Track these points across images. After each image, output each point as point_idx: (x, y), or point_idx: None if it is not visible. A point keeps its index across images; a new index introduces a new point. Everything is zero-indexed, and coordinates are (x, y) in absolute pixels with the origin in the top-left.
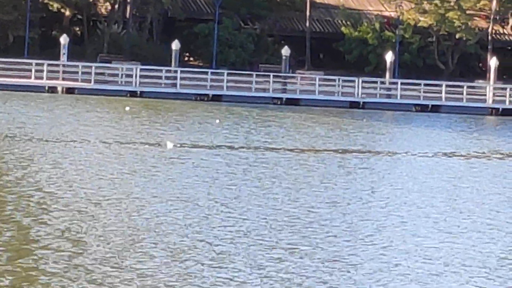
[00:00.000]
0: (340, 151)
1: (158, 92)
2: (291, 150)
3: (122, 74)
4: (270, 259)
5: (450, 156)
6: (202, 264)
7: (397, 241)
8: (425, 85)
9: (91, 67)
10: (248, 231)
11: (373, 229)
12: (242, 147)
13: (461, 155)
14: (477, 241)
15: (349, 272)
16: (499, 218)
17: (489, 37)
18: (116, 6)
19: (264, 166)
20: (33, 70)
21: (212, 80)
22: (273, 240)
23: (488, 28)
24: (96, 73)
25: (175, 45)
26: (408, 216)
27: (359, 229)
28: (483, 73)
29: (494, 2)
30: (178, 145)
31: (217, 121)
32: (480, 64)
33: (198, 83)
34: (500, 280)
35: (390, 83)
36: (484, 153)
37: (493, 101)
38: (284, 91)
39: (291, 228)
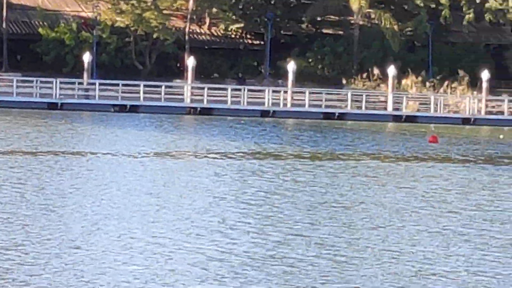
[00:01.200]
0: (48, 152)
1: None
2: None
3: None
4: None
5: (157, 156)
6: None
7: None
8: (123, 85)
9: None
10: None
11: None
12: None
13: (167, 155)
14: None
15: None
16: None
17: (186, 37)
18: None
19: None
20: None
21: None
22: None
23: (185, 27)
24: None
25: None
26: (118, 214)
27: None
28: (181, 73)
29: (191, 2)
30: None
31: None
32: (178, 64)
33: None
34: None
35: (88, 83)
36: (189, 152)
37: (191, 100)
38: None
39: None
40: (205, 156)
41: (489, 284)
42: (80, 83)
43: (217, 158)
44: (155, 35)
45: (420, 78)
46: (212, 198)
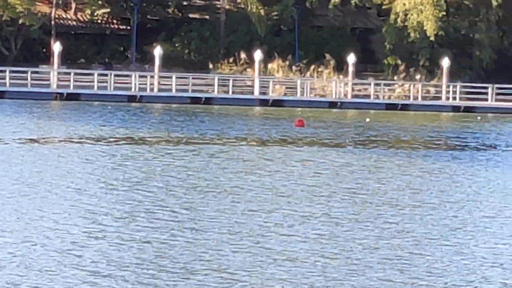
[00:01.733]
0: None
1: None
2: None
3: None
4: None
5: (29, 142)
6: None
7: None
8: None
9: None
10: None
11: None
12: None
13: (39, 141)
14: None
15: None
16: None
17: (52, 22)
18: None
19: None
20: None
21: None
22: None
23: (51, 13)
24: None
25: None
26: None
27: None
28: (47, 58)
29: None
30: None
31: None
32: (44, 49)
33: None
34: None
35: None
36: (60, 137)
37: (58, 86)
38: None
39: None
40: (77, 142)
41: (371, 263)
42: None
43: (89, 144)
44: (20, 21)
45: (286, 62)
46: (87, 184)
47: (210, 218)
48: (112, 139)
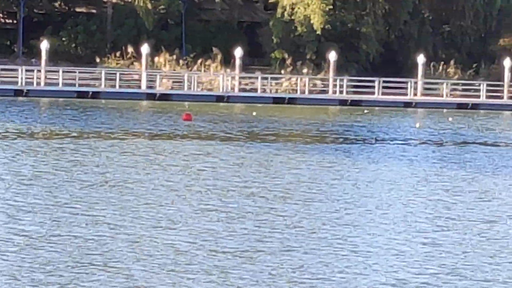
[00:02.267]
0: None
1: None
2: None
3: None
4: None
5: None
6: None
7: None
8: None
9: None
10: None
11: None
12: None
13: None
14: None
15: None
16: None
17: None
18: None
19: None
20: None
21: None
22: None
23: None
24: None
25: None
26: None
27: None
28: None
29: None
30: None
31: None
32: None
33: None
34: None
35: None
36: None
37: None
38: None
39: None
40: None
41: (272, 256)
42: None
43: None
44: None
45: (174, 56)
46: None
47: (103, 212)
48: (2, 134)
